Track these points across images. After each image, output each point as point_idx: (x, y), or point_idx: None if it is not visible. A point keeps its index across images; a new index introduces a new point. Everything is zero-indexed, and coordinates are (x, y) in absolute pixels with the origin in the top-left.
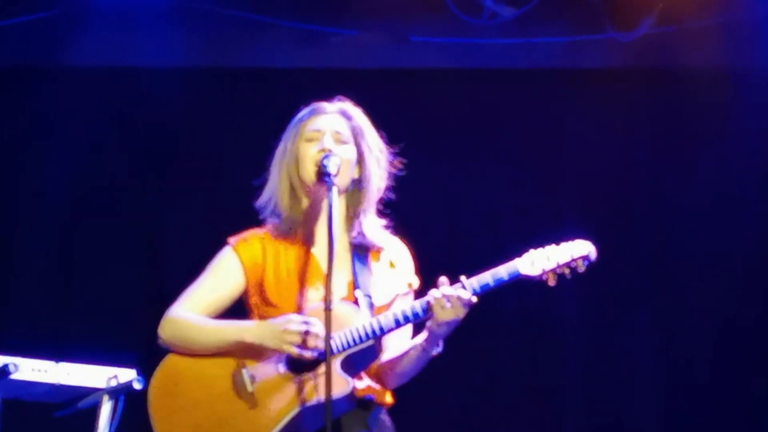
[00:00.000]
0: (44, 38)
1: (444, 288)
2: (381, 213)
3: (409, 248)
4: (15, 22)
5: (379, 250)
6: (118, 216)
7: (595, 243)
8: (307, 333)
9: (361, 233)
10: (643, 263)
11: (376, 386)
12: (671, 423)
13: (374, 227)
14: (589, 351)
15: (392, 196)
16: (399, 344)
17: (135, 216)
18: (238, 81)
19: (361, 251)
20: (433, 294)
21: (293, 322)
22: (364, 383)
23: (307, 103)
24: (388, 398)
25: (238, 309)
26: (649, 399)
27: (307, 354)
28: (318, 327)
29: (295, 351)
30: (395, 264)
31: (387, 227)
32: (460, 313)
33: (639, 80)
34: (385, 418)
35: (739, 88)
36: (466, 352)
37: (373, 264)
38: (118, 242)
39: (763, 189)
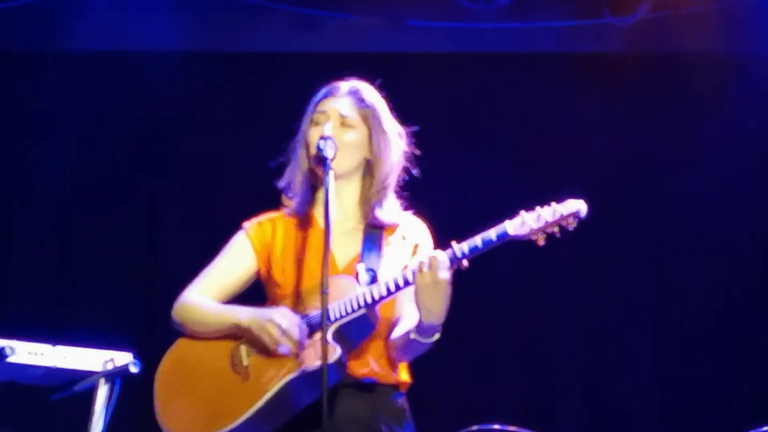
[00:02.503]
0: (41, 22)
1: (423, 255)
2: (398, 195)
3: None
4: (12, 5)
5: (393, 228)
6: (116, 200)
7: (592, 229)
8: (285, 332)
9: (374, 214)
10: (639, 246)
11: (379, 369)
12: (665, 405)
13: (389, 208)
14: (586, 333)
15: (408, 177)
16: (410, 314)
17: (133, 200)
18: (235, 65)
19: (375, 230)
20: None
21: (279, 316)
22: (366, 367)
23: (306, 86)
24: (403, 377)
25: (257, 295)
26: (643, 379)
27: (280, 349)
28: (296, 334)
29: (270, 343)
30: (407, 237)
31: (407, 208)
32: (437, 276)
33: (636, 65)
34: (397, 400)
35: (737, 73)
36: (463, 329)
37: (385, 242)
38: (115, 227)
39: (760, 175)
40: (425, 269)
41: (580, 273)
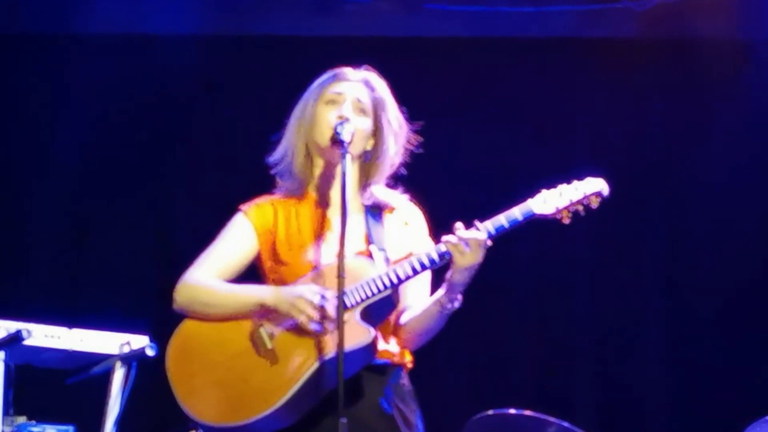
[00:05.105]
0: (59, 6)
1: (461, 232)
2: (390, 187)
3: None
4: None
5: (392, 209)
6: (131, 183)
7: (606, 214)
8: (321, 306)
9: (373, 196)
10: (654, 232)
11: (393, 350)
12: (678, 392)
13: (384, 190)
14: (600, 320)
15: (420, 161)
16: (419, 300)
17: (149, 183)
18: (252, 49)
19: (375, 210)
20: (449, 239)
21: (310, 292)
22: (380, 348)
23: (322, 71)
24: (408, 357)
25: (252, 276)
26: (656, 366)
27: (312, 327)
28: (332, 303)
29: (304, 320)
30: (409, 223)
31: (403, 193)
32: (479, 256)
33: (653, 50)
34: (404, 382)
35: (753, 57)
36: (479, 316)
37: (387, 221)
38: (130, 209)
39: None
40: (465, 250)
41: (593, 259)
